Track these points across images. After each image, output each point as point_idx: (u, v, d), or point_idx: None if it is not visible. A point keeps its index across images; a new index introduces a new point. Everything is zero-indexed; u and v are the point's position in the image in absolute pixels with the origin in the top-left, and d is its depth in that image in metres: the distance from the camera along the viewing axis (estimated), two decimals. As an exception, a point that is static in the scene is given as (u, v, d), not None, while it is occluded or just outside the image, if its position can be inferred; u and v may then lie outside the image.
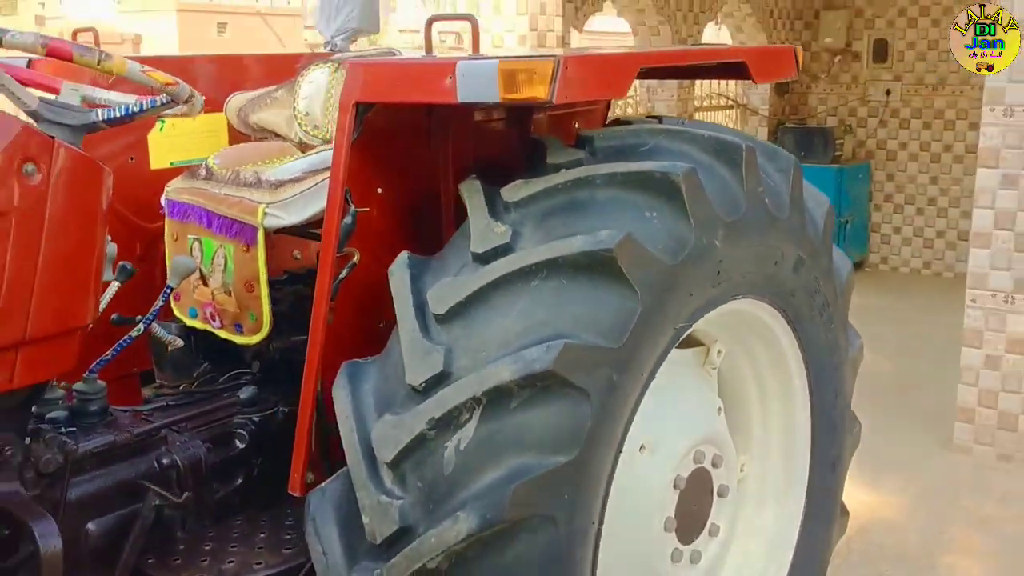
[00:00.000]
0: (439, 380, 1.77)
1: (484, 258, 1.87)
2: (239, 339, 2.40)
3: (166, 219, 2.54)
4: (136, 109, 1.98)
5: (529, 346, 1.74)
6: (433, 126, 2.22)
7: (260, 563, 2.19)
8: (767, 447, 2.51)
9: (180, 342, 2.43)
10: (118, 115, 1.95)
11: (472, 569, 1.73)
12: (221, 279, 2.38)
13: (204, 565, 2.16)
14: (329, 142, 2.43)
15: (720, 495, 2.32)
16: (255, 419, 2.39)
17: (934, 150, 8.12)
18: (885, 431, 4.27)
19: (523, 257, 1.83)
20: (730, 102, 8.48)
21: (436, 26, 2.44)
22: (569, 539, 1.79)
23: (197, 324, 2.47)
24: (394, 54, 2.64)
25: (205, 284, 2.42)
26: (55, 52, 1.83)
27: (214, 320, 2.42)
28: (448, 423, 1.75)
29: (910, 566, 3.48)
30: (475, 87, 1.82)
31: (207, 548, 2.22)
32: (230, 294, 2.37)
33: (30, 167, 1.75)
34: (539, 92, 1.76)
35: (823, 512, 2.58)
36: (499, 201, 1.96)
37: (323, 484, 1.94)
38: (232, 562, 2.17)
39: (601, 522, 1.90)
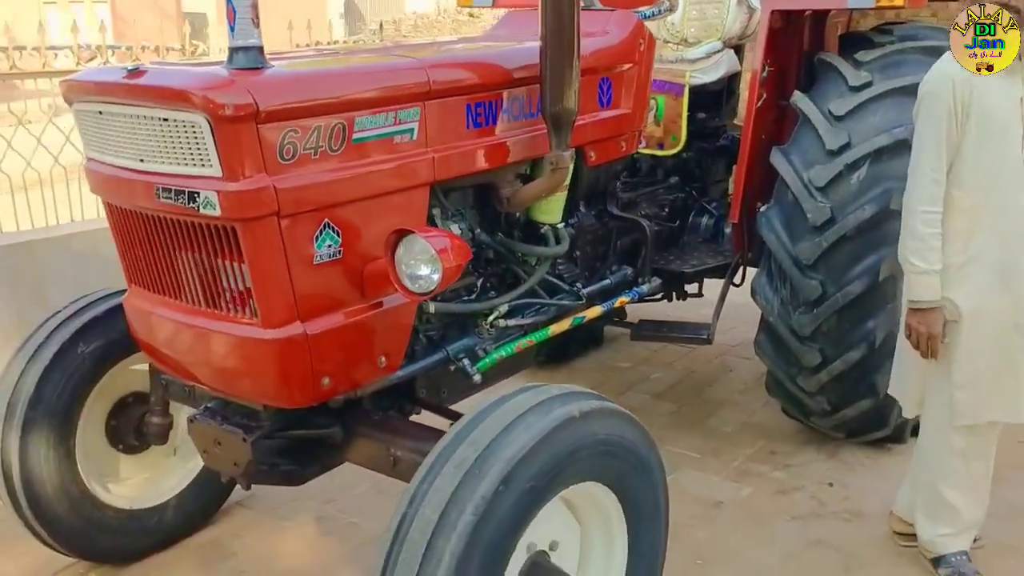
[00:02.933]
0: (845, 146, 3.57)
1: (857, 89, 3.66)
2: (660, 153, 4.15)
3: None
4: (654, 11, 3.71)
5: (887, 131, 3.53)
6: (794, 29, 4.02)
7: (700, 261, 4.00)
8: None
9: None
10: (649, 14, 3.68)
11: (867, 237, 3.52)
12: (652, 117, 4.12)
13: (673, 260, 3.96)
14: (681, 41, 4.21)
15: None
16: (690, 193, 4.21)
17: None
18: None
19: (880, 87, 3.63)
20: None
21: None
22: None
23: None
24: None
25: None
26: None
27: (643, 143, 4.16)
28: (853, 167, 3.55)
29: None
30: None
31: (673, 254, 4.02)
32: (659, 125, 4.12)
33: (641, 43, 3.50)
34: (898, 2, 3.56)
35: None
36: (853, 61, 3.75)
37: (767, 207, 3.72)
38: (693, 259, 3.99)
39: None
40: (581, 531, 2.58)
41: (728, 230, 4.28)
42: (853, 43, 3.94)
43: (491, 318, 3.04)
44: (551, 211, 3.24)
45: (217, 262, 2.43)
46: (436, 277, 2.46)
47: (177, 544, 3.50)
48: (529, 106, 3.05)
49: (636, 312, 4.16)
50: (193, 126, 2.28)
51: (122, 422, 3.36)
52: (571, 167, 3.02)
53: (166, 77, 2.38)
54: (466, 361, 2.97)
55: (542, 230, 3.24)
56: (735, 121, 4.52)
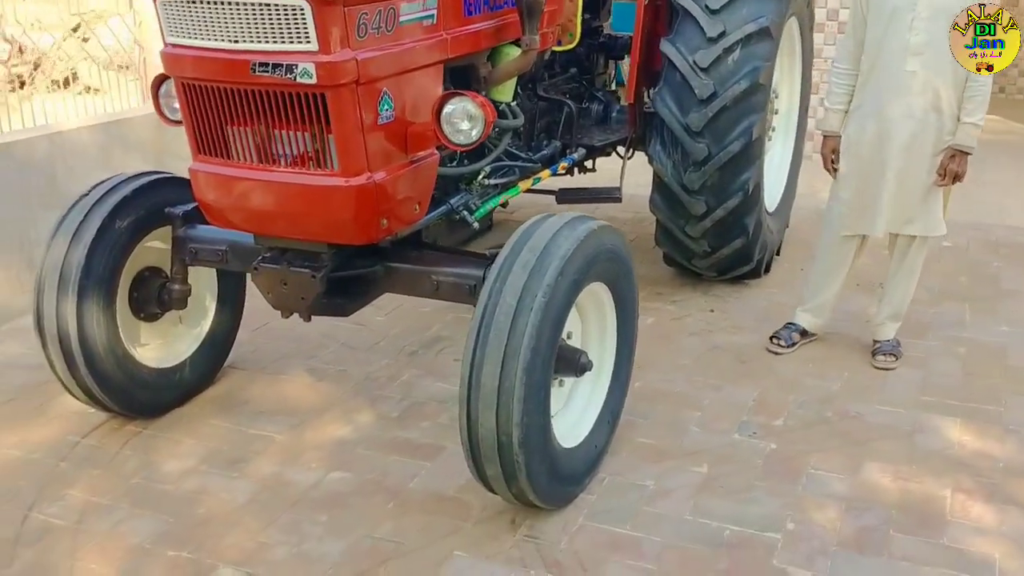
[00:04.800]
0: (722, 34, 4.46)
1: (726, -12, 4.56)
2: (559, 48, 4.90)
3: None
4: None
5: (753, 20, 4.46)
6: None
7: (604, 137, 4.82)
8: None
9: None
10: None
11: (741, 106, 4.45)
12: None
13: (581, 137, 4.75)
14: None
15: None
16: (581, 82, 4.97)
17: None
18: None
19: (743, -14, 4.54)
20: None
21: None
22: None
23: None
24: None
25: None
26: None
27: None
28: (729, 50, 4.45)
29: None
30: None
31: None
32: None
33: None
34: None
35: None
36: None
37: (659, 87, 4.58)
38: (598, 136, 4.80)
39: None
40: (582, 325, 3.36)
41: (615, 113, 5.13)
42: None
43: (479, 178, 3.74)
44: (506, 91, 3.94)
45: (306, 124, 2.98)
46: (477, 131, 3.13)
47: (194, 399, 4.00)
48: (503, -1, 3.73)
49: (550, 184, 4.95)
50: (294, 9, 2.81)
51: (143, 293, 3.80)
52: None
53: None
54: (465, 212, 3.66)
55: (500, 107, 3.93)
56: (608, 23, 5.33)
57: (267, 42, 2.89)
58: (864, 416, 3.80)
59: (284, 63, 2.87)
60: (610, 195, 4.70)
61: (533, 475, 2.92)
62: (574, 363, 3.16)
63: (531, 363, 2.81)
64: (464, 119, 3.16)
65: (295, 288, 3.30)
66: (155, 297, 3.81)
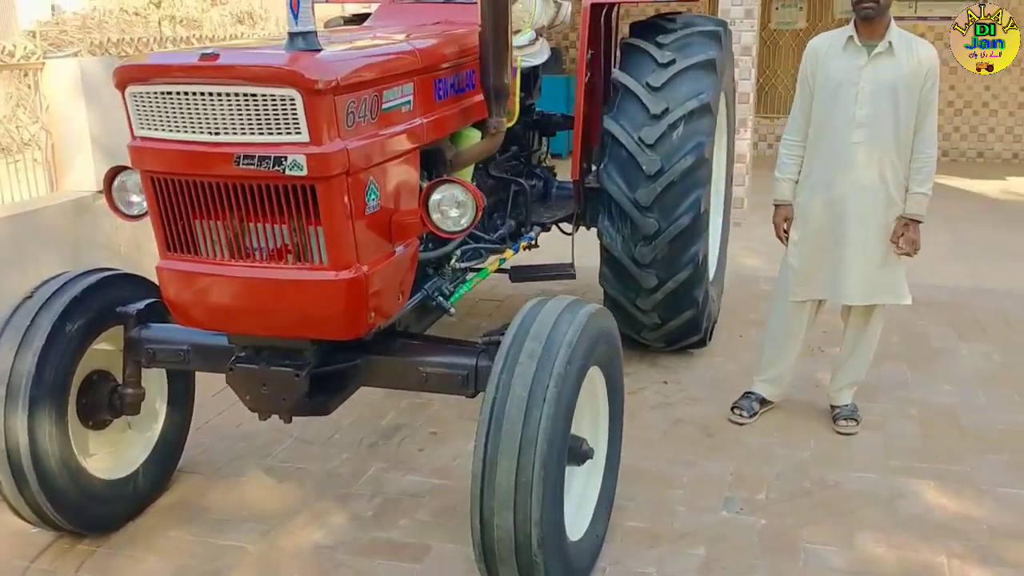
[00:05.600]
0: (665, 111, 4.53)
1: (665, 65, 4.63)
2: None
3: None
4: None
5: (694, 97, 4.55)
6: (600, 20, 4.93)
7: (552, 214, 4.79)
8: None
9: None
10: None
11: (688, 180, 4.51)
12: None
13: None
14: (534, 26, 5.00)
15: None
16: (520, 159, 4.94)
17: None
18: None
19: (682, 63, 4.63)
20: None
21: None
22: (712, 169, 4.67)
23: None
24: None
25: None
26: None
27: None
28: (673, 126, 4.52)
29: None
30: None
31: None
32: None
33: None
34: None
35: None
36: (656, 44, 4.72)
37: (604, 163, 4.60)
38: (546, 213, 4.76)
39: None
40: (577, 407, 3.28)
41: (554, 189, 5.14)
42: (645, 29, 4.92)
43: (452, 262, 3.65)
44: (467, 173, 3.88)
45: (290, 216, 2.84)
46: (467, 218, 3.06)
47: (148, 510, 3.72)
48: (465, 81, 3.68)
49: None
50: (284, 99, 2.69)
51: (92, 399, 3.53)
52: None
53: (250, 58, 2.76)
54: (440, 298, 3.55)
55: None
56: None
57: (253, 134, 2.75)
58: (842, 484, 3.83)
59: (272, 155, 2.74)
60: (565, 272, 4.67)
61: (550, 575, 2.80)
62: (578, 452, 3.07)
63: (548, 456, 2.71)
64: (453, 206, 3.08)
65: (276, 389, 3.12)
66: (106, 403, 3.55)
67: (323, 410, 3.26)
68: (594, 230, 5.04)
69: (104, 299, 3.46)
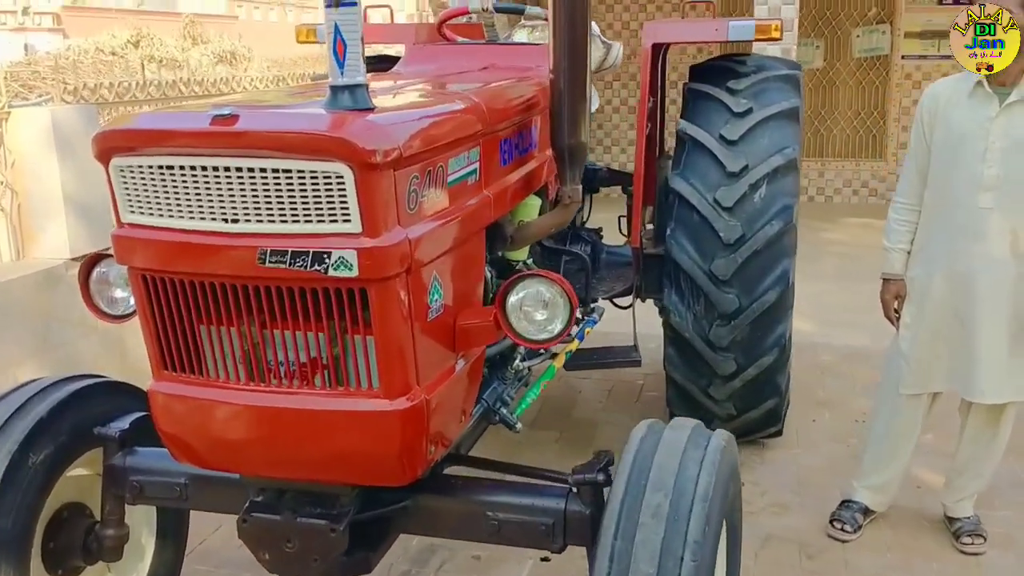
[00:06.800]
0: (745, 168, 3.85)
1: (741, 115, 3.96)
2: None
3: None
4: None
5: (778, 152, 3.88)
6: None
7: (608, 288, 4.08)
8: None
9: None
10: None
11: (773, 250, 3.83)
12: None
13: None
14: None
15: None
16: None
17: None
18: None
19: (761, 112, 3.96)
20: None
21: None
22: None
23: None
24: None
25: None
26: None
27: None
28: (755, 186, 3.84)
29: None
30: (740, 33, 3.93)
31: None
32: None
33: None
34: (775, 35, 3.92)
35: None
36: (728, 90, 4.05)
37: (671, 230, 3.90)
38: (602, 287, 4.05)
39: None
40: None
41: (603, 255, 4.43)
42: (710, 73, 4.25)
43: (515, 362, 2.93)
44: (524, 250, 3.18)
45: (331, 328, 2.12)
46: (559, 323, 2.34)
47: (132, 675, 2.95)
48: (528, 140, 2.99)
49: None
50: (328, 176, 1.98)
51: (62, 541, 2.77)
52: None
53: (282, 121, 2.05)
54: (504, 410, 2.83)
55: (516, 267, 3.16)
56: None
57: (285, 222, 2.03)
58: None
59: (310, 250, 2.02)
60: (628, 358, 3.95)
61: None
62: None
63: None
64: (539, 308, 2.36)
65: (306, 546, 2.36)
66: (79, 547, 2.79)
67: (366, 568, 2.51)
68: (649, 302, 4.36)
69: (78, 417, 2.71)
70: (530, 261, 3.23)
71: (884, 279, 3.62)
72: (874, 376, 5.40)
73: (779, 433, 4.41)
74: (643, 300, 4.31)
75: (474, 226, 2.47)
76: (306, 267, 2.03)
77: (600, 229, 4.59)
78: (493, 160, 2.65)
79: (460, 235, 2.37)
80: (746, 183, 3.83)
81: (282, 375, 2.19)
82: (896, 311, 3.61)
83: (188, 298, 2.16)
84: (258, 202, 2.03)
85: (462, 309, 2.43)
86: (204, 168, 2.04)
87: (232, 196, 2.03)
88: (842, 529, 3.71)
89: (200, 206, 2.07)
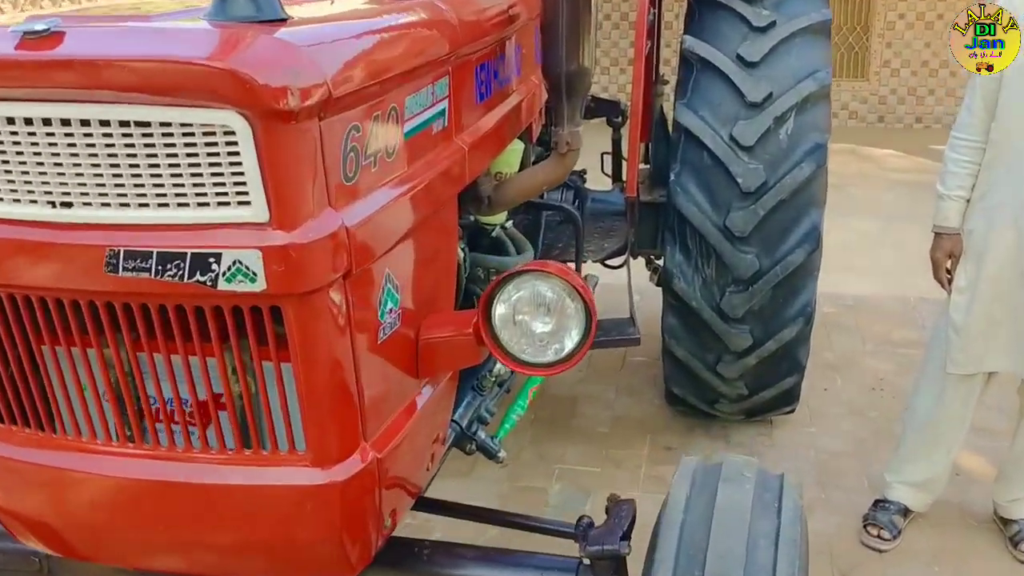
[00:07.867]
0: (769, 97, 3.11)
1: (762, 30, 3.20)
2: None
3: None
4: None
5: (809, 76, 3.14)
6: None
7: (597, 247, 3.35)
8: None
9: None
10: None
11: (799, 199, 3.12)
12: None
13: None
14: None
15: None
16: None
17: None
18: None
19: (787, 27, 3.20)
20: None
21: None
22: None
23: None
24: None
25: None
26: None
27: None
28: (781, 120, 3.11)
29: None
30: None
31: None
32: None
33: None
34: None
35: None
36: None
37: (676, 174, 3.18)
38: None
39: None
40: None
41: (589, 203, 3.67)
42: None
43: (495, 369, 2.19)
44: (500, 216, 2.43)
45: (233, 363, 1.38)
46: (572, 341, 1.61)
47: None
48: (510, 66, 2.21)
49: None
50: (213, 132, 1.21)
51: None
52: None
53: (136, 42, 1.26)
54: (482, 435, 2.11)
55: (492, 233, 2.42)
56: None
57: (147, 207, 1.27)
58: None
59: (187, 250, 1.26)
60: (624, 335, 3.22)
61: None
62: None
63: None
64: (538, 315, 1.62)
65: None
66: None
67: None
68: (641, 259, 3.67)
69: None
70: (509, 224, 2.48)
71: (936, 233, 2.92)
72: (885, 330, 4.81)
73: (791, 411, 3.76)
74: (635, 257, 3.60)
75: (444, 193, 1.72)
76: (182, 278, 1.27)
77: (584, 172, 3.83)
78: (467, 95, 1.88)
79: (424, 210, 1.61)
80: (770, 116, 3.09)
81: (166, 423, 1.45)
82: (948, 272, 2.93)
83: (18, 321, 1.40)
84: (101, 175, 1.26)
85: (427, 315, 1.69)
86: (11, 120, 1.25)
87: (61, 166, 1.26)
88: (879, 536, 3.08)
89: (11, 181, 1.29)
